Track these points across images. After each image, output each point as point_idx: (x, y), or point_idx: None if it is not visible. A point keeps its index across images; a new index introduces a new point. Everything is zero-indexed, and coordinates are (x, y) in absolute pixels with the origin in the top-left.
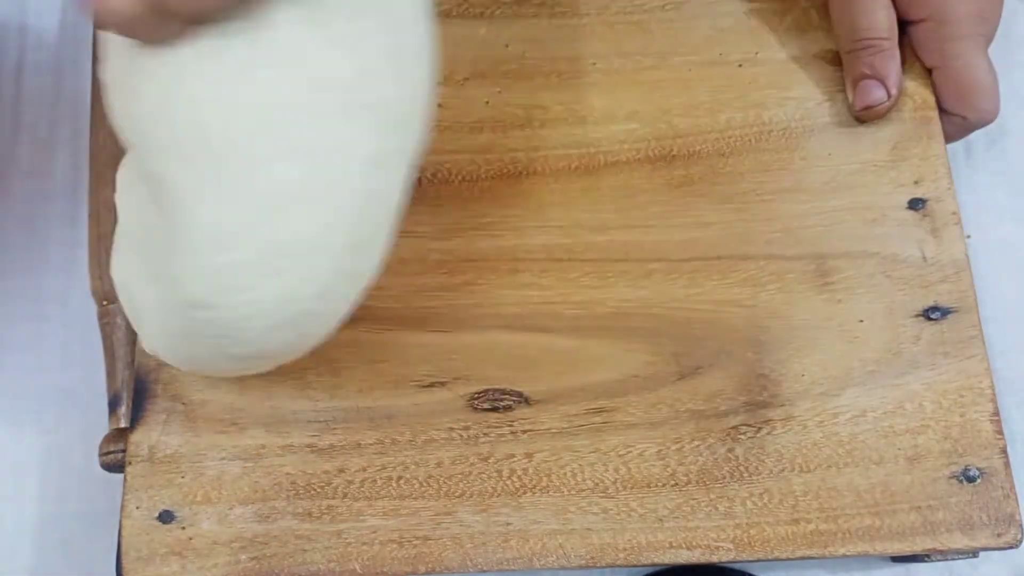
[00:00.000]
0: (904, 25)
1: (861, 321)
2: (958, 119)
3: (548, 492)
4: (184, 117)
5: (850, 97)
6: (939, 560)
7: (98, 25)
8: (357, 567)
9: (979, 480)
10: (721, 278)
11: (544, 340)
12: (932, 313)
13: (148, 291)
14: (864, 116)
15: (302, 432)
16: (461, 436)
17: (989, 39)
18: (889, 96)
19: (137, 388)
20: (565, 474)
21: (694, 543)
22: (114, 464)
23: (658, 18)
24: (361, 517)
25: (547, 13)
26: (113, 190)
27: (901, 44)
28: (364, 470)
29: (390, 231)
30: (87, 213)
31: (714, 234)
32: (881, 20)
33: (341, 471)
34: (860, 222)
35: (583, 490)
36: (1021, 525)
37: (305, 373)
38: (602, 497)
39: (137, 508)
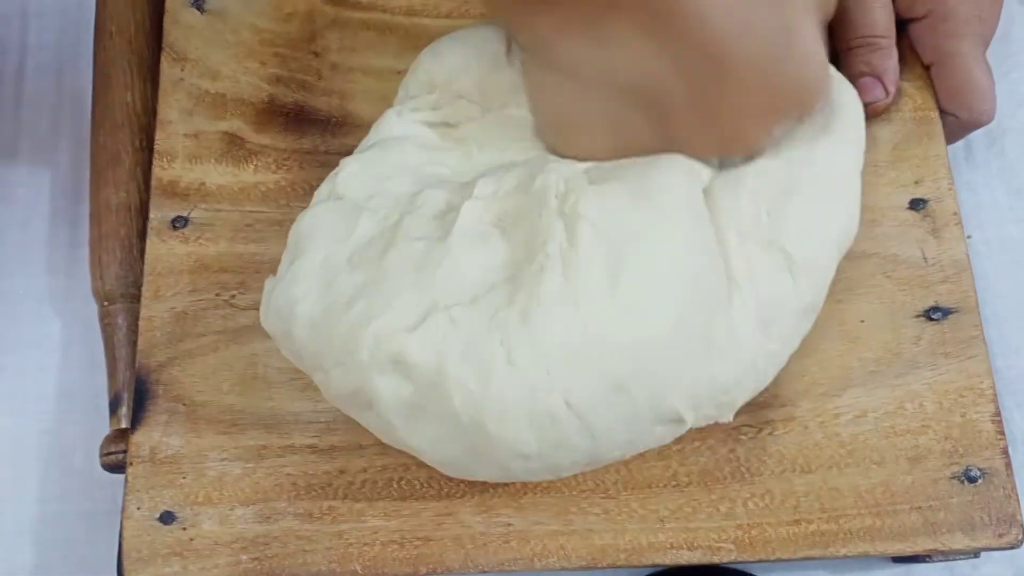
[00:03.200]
0: (904, 23)
1: (862, 321)
2: (952, 119)
3: (549, 493)
4: None
5: None
6: (940, 560)
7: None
8: (358, 568)
9: (980, 480)
10: None
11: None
12: (933, 313)
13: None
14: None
15: (303, 433)
16: None
17: (987, 41)
18: (887, 94)
19: (138, 389)
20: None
21: (695, 544)
22: (115, 465)
23: None
24: (362, 518)
25: None
26: (114, 190)
27: (900, 43)
28: (365, 471)
29: None
30: (88, 213)
31: None
32: (879, 18)
33: (342, 472)
34: (860, 222)
35: (584, 491)
36: (1022, 525)
37: (306, 374)
38: (603, 498)
39: (138, 509)
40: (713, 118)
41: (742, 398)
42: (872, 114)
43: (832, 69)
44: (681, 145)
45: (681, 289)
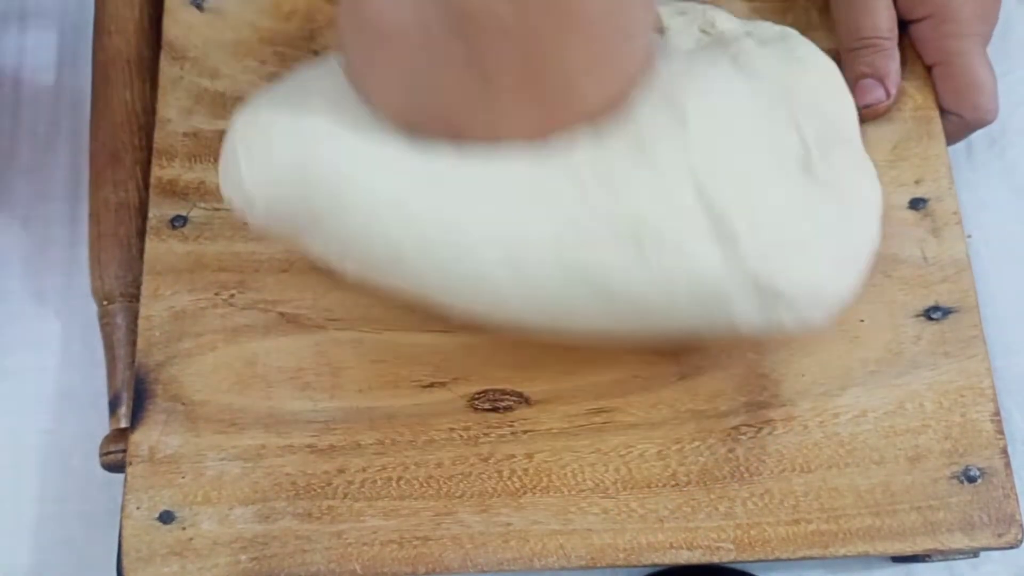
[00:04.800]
0: (905, 24)
1: (862, 321)
2: (956, 118)
3: (548, 492)
4: None
5: None
6: (940, 560)
7: None
8: (357, 567)
9: (980, 480)
10: None
11: (544, 340)
12: (933, 313)
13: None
14: (863, 115)
15: (302, 432)
16: (461, 436)
17: (987, 39)
18: (888, 95)
19: (137, 388)
20: (565, 474)
21: (695, 543)
22: (114, 464)
23: None
24: (361, 518)
25: None
26: (113, 189)
27: (901, 43)
28: (364, 470)
29: None
30: (87, 213)
31: None
32: (882, 19)
33: (341, 471)
34: None
35: (583, 490)
36: (1022, 525)
37: (305, 373)
38: (602, 497)
39: (137, 508)
40: (544, 71)
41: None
42: (872, 115)
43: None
44: (497, 107)
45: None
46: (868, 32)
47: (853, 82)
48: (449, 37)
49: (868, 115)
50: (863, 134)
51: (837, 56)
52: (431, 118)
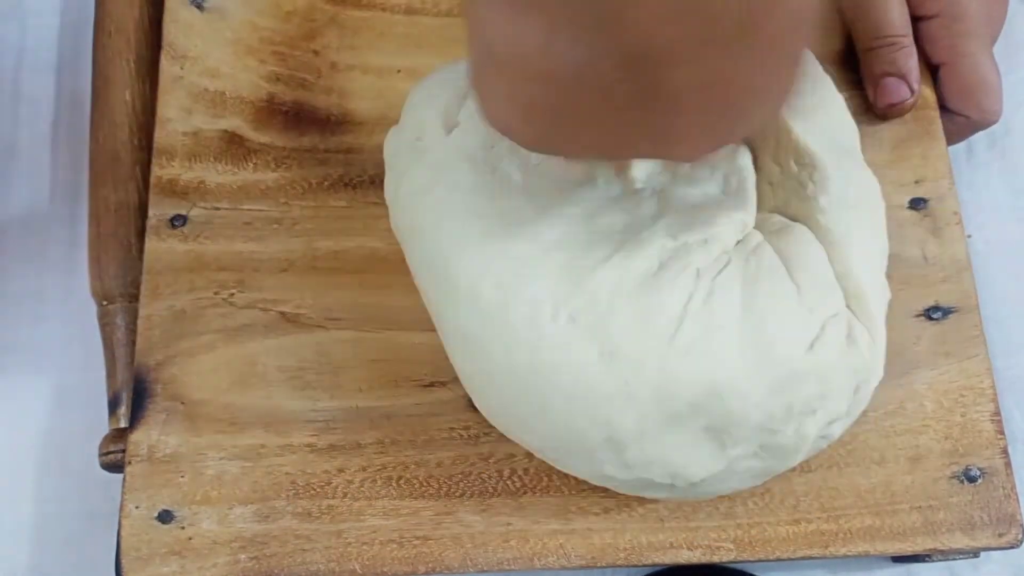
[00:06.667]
0: (914, 21)
1: None
2: (961, 119)
3: (549, 492)
4: None
5: (872, 96)
6: (940, 560)
7: None
8: (357, 567)
9: (980, 480)
10: None
11: None
12: (933, 313)
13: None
14: (889, 114)
15: (302, 432)
16: (461, 436)
17: (994, 40)
18: (912, 92)
19: (137, 388)
20: (566, 474)
21: (695, 543)
22: (114, 464)
23: None
24: (361, 517)
25: None
26: (112, 189)
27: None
28: (364, 470)
29: None
30: (87, 213)
31: None
32: (897, 17)
33: (341, 471)
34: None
35: (583, 490)
36: (1022, 525)
37: (305, 373)
38: (603, 497)
39: (136, 508)
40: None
41: None
42: (898, 114)
43: None
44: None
45: None
46: (886, 30)
47: (874, 81)
48: (614, 72)
49: (893, 113)
50: (863, 135)
51: (847, 55)
52: (583, 146)
